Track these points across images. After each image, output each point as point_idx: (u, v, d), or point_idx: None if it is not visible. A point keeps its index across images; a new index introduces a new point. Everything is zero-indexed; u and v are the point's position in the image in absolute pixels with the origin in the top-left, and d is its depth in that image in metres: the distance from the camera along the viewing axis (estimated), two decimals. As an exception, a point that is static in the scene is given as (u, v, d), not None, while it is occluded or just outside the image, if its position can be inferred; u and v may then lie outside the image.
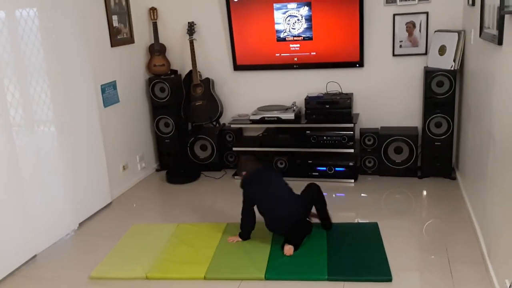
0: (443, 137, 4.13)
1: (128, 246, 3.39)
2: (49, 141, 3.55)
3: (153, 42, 4.72)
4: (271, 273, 2.91)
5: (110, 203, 4.17)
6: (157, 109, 4.77)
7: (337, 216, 3.63)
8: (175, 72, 4.85)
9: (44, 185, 3.47)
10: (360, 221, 3.62)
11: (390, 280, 2.79)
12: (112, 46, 4.25)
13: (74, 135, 3.75)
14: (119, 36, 4.35)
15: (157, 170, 4.98)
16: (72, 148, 3.73)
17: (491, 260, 2.75)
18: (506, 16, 2.47)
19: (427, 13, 4.18)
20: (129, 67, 4.54)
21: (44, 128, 3.52)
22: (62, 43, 3.61)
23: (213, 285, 2.87)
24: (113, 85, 4.28)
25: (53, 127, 3.57)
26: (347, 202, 3.97)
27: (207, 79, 4.74)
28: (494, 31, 2.71)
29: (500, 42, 2.59)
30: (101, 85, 4.12)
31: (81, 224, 3.80)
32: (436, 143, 4.15)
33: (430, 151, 4.20)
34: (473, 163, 3.49)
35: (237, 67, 4.73)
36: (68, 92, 3.68)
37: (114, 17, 4.26)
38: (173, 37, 4.82)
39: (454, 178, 4.19)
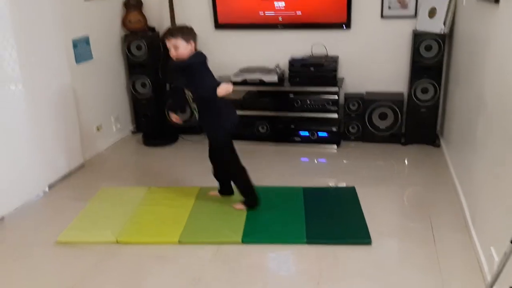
0: (429, 103, 4.02)
1: (96, 210, 3.23)
2: (16, 99, 3.31)
3: (129, -4, 4.45)
4: (248, 237, 2.81)
5: (83, 164, 3.98)
6: (133, 68, 4.53)
7: (318, 182, 3.55)
8: (152, 29, 4.60)
9: (12, 146, 3.27)
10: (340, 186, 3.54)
11: (369, 243, 2.71)
12: (85, -2, 3.99)
13: (44, 92, 3.53)
14: (93, -12, 4.07)
15: (133, 132, 4.79)
16: (42, 106, 3.52)
17: (475, 228, 2.68)
18: (505, -29, 2.32)
19: (418, -27, 4.00)
20: (103, 22, 4.27)
21: (11, 86, 3.28)
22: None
23: (188, 250, 2.75)
24: (86, 40, 4.02)
25: (21, 84, 3.33)
26: (329, 168, 3.86)
27: (187, 38, 4.50)
28: (491, -12, 2.56)
29: (497, 0, 2.44)
30: (73, 40, 3.86)
31: (51, 186, 3.62)
32: (421, 109, 4.04)
33: (415, 118, 4.09)
34: (459, 130, 3.40)
35: (218, 26, 4.50)
36: (37, 46, 3.43)
37: (87, -33, 3.97)
38: (151, -9, 4.55)
39: (438, 145, 4.10)
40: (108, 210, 3.20)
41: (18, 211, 3.28)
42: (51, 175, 3.65)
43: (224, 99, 2.97)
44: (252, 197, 3.10)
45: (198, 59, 2.86)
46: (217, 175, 3.27)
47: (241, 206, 3.12)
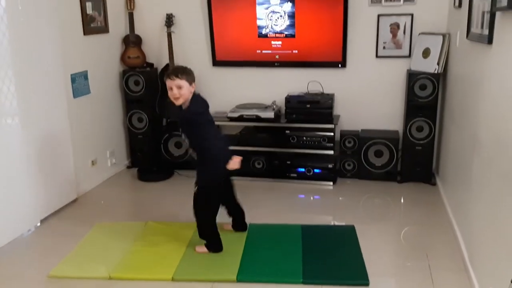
0: (424, 141, 4.04)
1: (91, 245, 3.17)
2: (11, 132, 3.30)
3: (128, 33, 4.52)
4: (243, 275, 2.75)
5: (76, 199, 3.94)
6: (130, 103, 4.56)
7: (314, 219, 3.52)
8: (151, 65, 4.65)
9: (5, 178, 3.23)
10: (336, 223, 3.50)
11: (367, 284, 2.66)
12: (84, 34, 4.04)
13: (40, 125, 3.53)
14: (93, 25, 4.14)
15: (128, 167, 4.76)
16: (37, 140, 3.50)
17: (474, 268, 2.65)
18: (497, 14, 2.38)
19: (412, 15, 4.11)
20: (102, 58, 4.32)
21: (8, 119, 3.27)
22: (30, 27, 3.39)
23: (181, 287, 2.69)
24: (84, 75, 4.06)
25: (17, 117, 3.32)
26: (325, 205, 3.84)
27: (185, 74, 4.55)
28: (484, 31, 2.62)
29: (490, 41, 2.50)
30: (71, 74, 3.89)
31: (43, 221, 3.56)
32: (417, 148, 4.07)
33: (411, 156, 4.11)
34: (455, 169, 3.41)
35: (216, 63, 4.57)
36: (36, 80, 3.45)
37: (88, 4, 4.05)
38: (150, 28, 4.63)
39: (434, 184, 4.10)
40: (103, 245, 3.15)
41: (9, 246, 3.21)
42: (43, 210, 3.59)
43: (219, 148, 3.03)
44: (212, 241, 3.03)
45: (199, 110, 2.94)
46: (229, 212, 3.24)
47: (202, 249, 3.02)
